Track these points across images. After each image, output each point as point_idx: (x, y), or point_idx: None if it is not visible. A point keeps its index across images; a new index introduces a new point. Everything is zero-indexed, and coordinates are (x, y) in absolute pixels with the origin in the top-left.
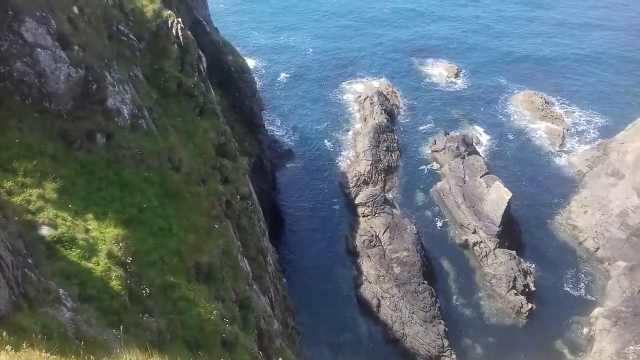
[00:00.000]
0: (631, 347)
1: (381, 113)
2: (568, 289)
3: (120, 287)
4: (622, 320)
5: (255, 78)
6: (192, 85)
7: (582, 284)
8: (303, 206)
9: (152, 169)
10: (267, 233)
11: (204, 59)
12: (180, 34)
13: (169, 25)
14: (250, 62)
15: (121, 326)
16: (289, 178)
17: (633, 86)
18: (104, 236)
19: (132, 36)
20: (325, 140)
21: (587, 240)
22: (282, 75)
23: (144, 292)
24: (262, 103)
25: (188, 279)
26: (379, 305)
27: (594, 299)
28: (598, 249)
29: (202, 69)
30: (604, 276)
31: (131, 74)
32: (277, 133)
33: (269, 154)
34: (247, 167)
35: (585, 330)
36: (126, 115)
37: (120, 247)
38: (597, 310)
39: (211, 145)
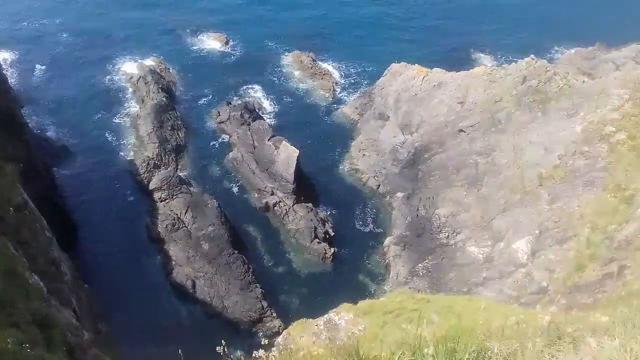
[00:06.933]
0: (420, 265)
1: (158, 92)
2: (361, 227)
3: None
4: (408, 243)
5: (6, 72)
6: None
7: (372, 220)
8: (93, 204)
9: None
10: (55, 241)
11: None
12: None
13: None
14: None
15: None
16: (70, 177)
17: (384, 35)
18: None
19: None
20: (103, 129)
21: (369, 180)
22: (38, 66)
23: None
24: (19, 100)
25: None
26: (194, 286)
27: (383, 230)
28: (379, 185)
29: None
30: (388, 208)
31: None
32: (45, 131)
33: (41, 155)
34: (15, 174)
35: (381, 259)
36: None
37: None
38: (387, 240)
39: None
